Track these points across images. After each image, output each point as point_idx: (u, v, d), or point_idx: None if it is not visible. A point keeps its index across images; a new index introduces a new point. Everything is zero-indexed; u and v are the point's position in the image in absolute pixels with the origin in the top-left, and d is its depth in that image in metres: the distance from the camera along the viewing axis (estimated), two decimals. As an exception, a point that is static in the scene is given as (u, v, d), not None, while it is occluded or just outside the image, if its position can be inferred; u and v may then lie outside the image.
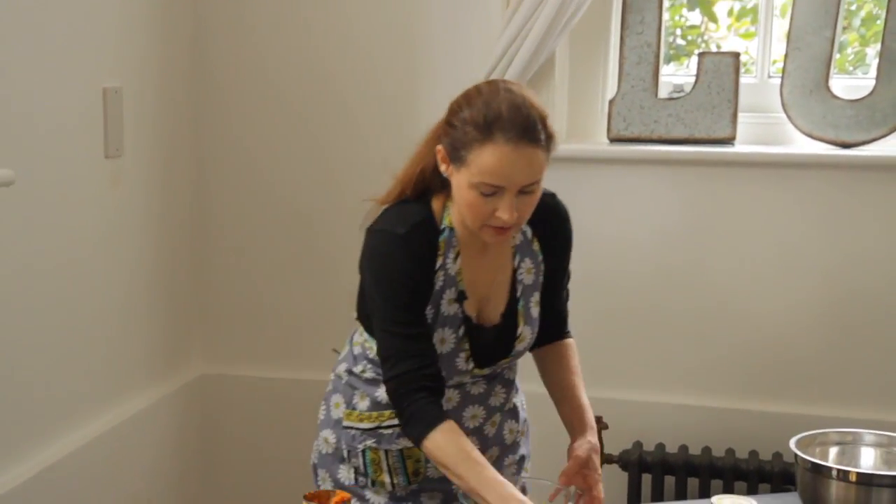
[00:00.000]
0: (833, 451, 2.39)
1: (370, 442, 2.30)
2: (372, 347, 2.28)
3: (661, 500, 3.21)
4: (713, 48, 3.57)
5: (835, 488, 2.18)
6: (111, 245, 3.07)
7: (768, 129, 3.34)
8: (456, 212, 2.17)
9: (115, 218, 3.09)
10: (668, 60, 3.58)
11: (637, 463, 3.21)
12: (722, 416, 3.29)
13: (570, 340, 2.42)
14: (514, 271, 2.27)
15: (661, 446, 3.26)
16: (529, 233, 2.28)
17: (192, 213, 3.52)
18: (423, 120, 3.33)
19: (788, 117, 3.24)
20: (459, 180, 2.09)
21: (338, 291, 3.50)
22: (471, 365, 2.24)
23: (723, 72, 3.26)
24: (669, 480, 3.24)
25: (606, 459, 3.24)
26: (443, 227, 2.19)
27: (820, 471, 2.21)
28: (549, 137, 2.08)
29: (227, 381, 3.60)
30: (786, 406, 3.25)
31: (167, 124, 3.35)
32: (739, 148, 3.27)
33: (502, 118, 2.03)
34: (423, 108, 3.34)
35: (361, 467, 2.31)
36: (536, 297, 2.30)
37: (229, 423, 3.61)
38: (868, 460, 2.38)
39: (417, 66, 3.36)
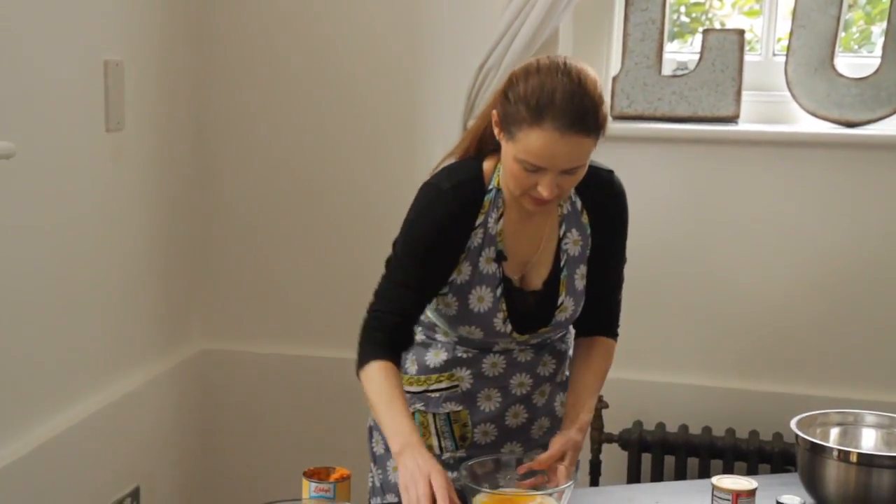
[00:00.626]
0: (834, 432, 2.38)
1: (419, 405, 2.35)
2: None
3: (661, 479, 3.21)
4: (717, 25, 3.55)
5: (835, 469, 2.17)
6: (112, 219, 3.06)
7: (772, 108, 3.32)
8: (503, 175, 2.18)
9: (116, 192, 3.08)
10: (673, 38, 3.56)
11: (637, 442, 3.21)
12: (723, 396, 3.29)
13: (609, 341, 2.38)
14: (560, 240, 2.27)
15: (661, 426, 3.26)
16: (579, 204, 2.27)
17: (194, 186, 3.51)
18: (425, 96, 3.34)
19: (793, 96, 3.23)
20: (507, 150, 2.10)
21: (340, 267, 3.50)
22: (508, 328, 2.25)
23: (727, 49, 3.24)
24: (669, 460, 3.24)
25: (606, 438, 3.24)
26: (490, 187, 2.21)
27: (820, 451, 2.20)
28: (600, 125, 2.07)
29: (228, 356, 3.60)
30: (787, 386, 3.24)
31: (169, 98, 3.34)
32: (743, 126, 3.26)
33: (554, 105, 2.01)
34: (426, 83, 3.33)
35: None
36: (582, 270, 2.29)
37: (229, 399, 3.61)
38: (869, 441, 2.37)
39: (420, 42, 3.34)
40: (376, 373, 2.16)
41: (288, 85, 3.46)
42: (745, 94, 3.29)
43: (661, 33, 3.28)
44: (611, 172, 2.30)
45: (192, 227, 3.52)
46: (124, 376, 3.16)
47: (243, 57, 3.47)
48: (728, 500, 2.04)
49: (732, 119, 3.26)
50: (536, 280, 2.27)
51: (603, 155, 2.30)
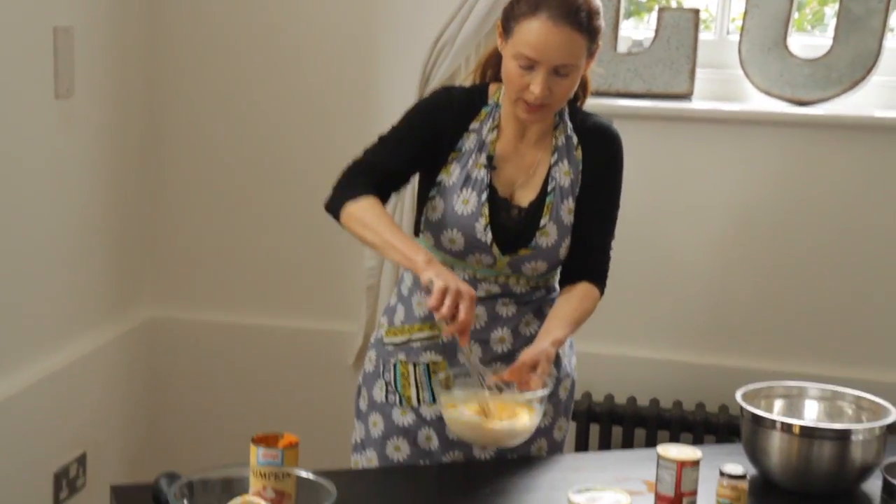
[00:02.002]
0: (778, 404, 2.42)
1: (400, 356, 2.42)
2: None
3: (609, 449, 3.24)
4: (673, 4, 3.58)
5: (778, 440, 2.21)
6: (61, 186, 3.04)
7: (726, 86, 3.35)
8: (504, 93, 2.33)
9: (66, 159, 3.05)
10: (628, 15, 3.58)
11: (585, 413, 3.25)
12: (670, 369, 3.33)
13: (592, 287, 2.42)
14: (551, 168, 2.35)
15: (609, 397, 3.30)
16: (575, 140, 2.37)
17: (144, 154, 3.49)
18: (381, 68, 3.34)
19: (746, 74, 3.26)
20: (506, 53, 2.25)
21: (291, 236, 3.50)
22: (489, 236, 2.30)
23: (682, 28, 3.26)
24: (617, 431, 3.28)
25: (555, 410, 3.27)
26: (490, 101, 2.37)
27: (763, 423, 2.24)
28: (592, 27, 2.23)
29: (177, 324, 3.59)
30: (734, 360, 3.29)
31: (120, 64, 3.31)
32: (697, 104, 3.29)
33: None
34: (382, 57, 3.33)
35: (392, 381, 2.41)
36: (569, 203, 2.35)
37: (178, 366, 3.60)
38: (812, 413, 2.41)
39: (375, 15, 3.33)
40: (374, 204, 2.27)
41: (241, 53, 3.44)
42: (699, 72, 3.32)
43: (617, 11, 3.29)
44: (611, 122, 2.43)
45: (142, 195, 3.50)
46: (72, 343, 3.14)
47: (196, 24, 3.45)
48: (673, 468, 2.07)
49: (686, 96, 3.29)
50: (523, 198, 2.35)
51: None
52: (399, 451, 2.41)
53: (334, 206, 2.31)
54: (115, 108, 3.29)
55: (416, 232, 2.43)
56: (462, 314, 2.10)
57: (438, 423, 2.37)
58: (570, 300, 2.37)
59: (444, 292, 2.10)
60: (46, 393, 2.98)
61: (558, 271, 2.44)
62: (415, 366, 2.40)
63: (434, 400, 2.38)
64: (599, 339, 3.37)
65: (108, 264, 3.34)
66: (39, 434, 2.96)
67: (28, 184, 2.88)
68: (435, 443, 2.40)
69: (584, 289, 2.39)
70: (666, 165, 3.29)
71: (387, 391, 2.42)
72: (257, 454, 1.96)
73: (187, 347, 3.59)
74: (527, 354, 2.22)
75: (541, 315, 2.41)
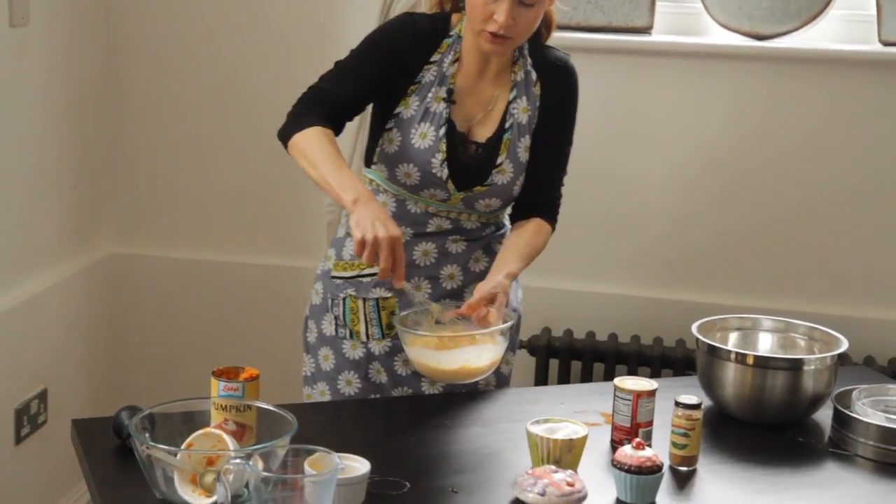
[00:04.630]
0: (733, 336, 2.46)
1: (350, 290, 2.41)
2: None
3: (568, 384, 3.28)
4: (634, -64, 3.56)
5: (732, 371, 2.26)
6: (17, 117, 3.01)
7: (685, 20, 3.36)
8: (466, 24, 2.30)
9: (21, 89, 3.02)
10: (589, -53, 3.56)
11: (545, 348, 3.28)
12: (628, 304, 3.37)
13: (544, 223, 2.43)
14: (509, 104, 2.35)
15: (568, 332, 3.34)
16: (534, 76, 2.37)
17: (104, 84, 3.46)
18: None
19: (705, 7, 3.27)
20: None
21: (251, 172, 3.49)
22: (445, 172, 2.30)
23: (642, -40, 3.26)
24: (576, 365, 3.32)
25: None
26: (452, 32, 2.34)
27: (718, 354, 2.28)
28: None
29: (137, 260, 3.59)
30: (691, 295, 3.33)
31: (75, -5, 3.27)
32: (656, 37, 3.30)
33: None
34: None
35: (341, 316, 2.41)
36: (526, 141, 2.36)
37: (138, 302, 3.61)
38: (766, 345, 2.46)
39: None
40: (319, 135, 2.23)
41: (199, -16, 3.41)
42: (659, 6, 3.32)
43: (578, -58, 3.29)
44: (568, 56, 2.42)
45: (101, 128, 3.47)
46: (31, 279, 3.14)
47: (153, -45, 3.41)
48: (629, 400, 2.10)
49: (646, 30, 3.30)
50: (480, 134, 2.34)
51: (516, 61, 2.34)
52: (350, 385, 2.43)
53: (283, 136, 2.29)
54: (71, 38, 3.26)
55: (369, 162, 2.41)
56: (381, 262, 2.10)
57: (387, 359, 2.40)
58: (522, 235, 2.38)
59: (363, 244, 2.09)
60: (5, 329, 2.98)
61: (509, 207, 2.45)
62: (364, 301, 2.40)
63: (383, 336, 2.39)
64: (558, 274, 3.40)
65: (66, 199, 3.32)
66: (-1, 370, 2.97)
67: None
68: (384, 377, 2.41)
69: (536, 224, 2.41)
70: (626, 100, 3.31)
71: (336, 325, 2.43)
72: (218, 387, 1.98)
73: (148, 283, 3.60)
74: (483, 288, 2.22)
75: (490, 252, 2.42)
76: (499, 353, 2.19)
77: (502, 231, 2.45)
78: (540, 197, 2.43)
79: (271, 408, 1.95)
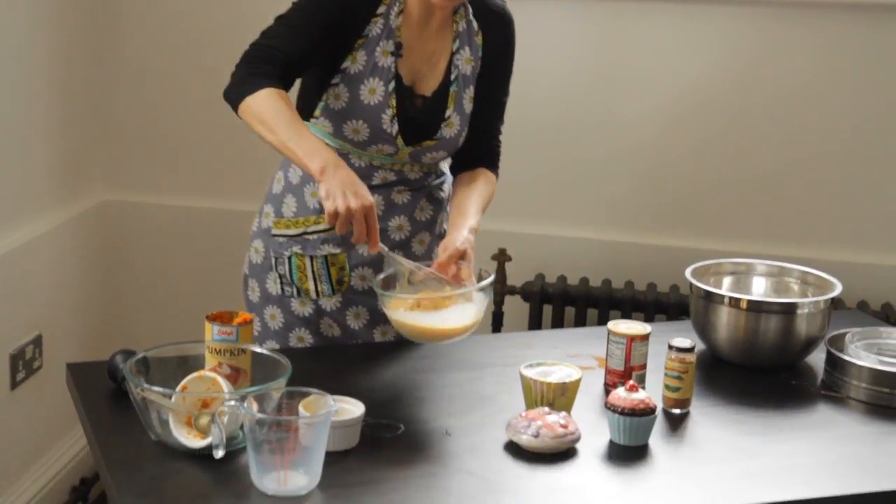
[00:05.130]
0: (727, 281, 2.47)
1: (296, 248, 2.35)
2: None
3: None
4: None
5: (726, 315, 2.26)
6: (7, 62, 2.99)
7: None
8: None
9: (11, 34, 3.00)
10: None
11: (538, 294, 3.29)
12: (622, 250, 3.37)
13: (490, 173, 2.41)
14: (453, 56, 2.31)
15: (562, 278, 3.34)
16: (475, 25, 2.33)
17: (96, 28, 3.42)
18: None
19: (700, -48, 3.24)
20: None
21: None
22: (395, 128, 2.27)
23: None
24: (570, 311, 3.33)
25: (509, 290, 3.31)
26: None
27: (712, 298, 2.29)
28: None
29: (130, 207, 3.58)
30: (685, 240, 3.34)
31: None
32: (651, -18, 3.27)
33: None
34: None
35: (287, 275, 2.36)
36: (471, 92, 2.34)
37: (132, 249, 3.60)
38: (759, 289, 2.47)
39: None
40: (274, 97, 2.14)
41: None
42: (654, -50, 3.30)
43: None
44: (504, 2, 2.37)
45: (93, 73, 3.45)
46: (24, 225, 3.13)
47: None
48: (622, 343, 2.11)
49: (641, -26, 3.27)
50: (427, 87, 2.31)
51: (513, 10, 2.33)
52: (302, 341, 2.39)
53: (233, 97, 2.18)
54: (61, -17, 3.23)
55: (307, 116, 2.31)
56: (356, 232, 2.06)
57: (339, 314, 2.36)
58: (475, 188, 2.35)
59: (335, 216, 2.04)
60: (0, 274, 2.98)
61: (449, 158, 2.43)
62: (312, 259, 2.34)
63: (333, 292, 2.35)
64: (551, 220, 3.40)
65: (58, 146, 3.30)
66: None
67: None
68: (337, 331, 2.38)
69: (484, 175, 2.39)
70: (618, 44, 3.29)
71: (282, 283, 2.38)
72: (212, 331, 1.98)
73: (141, 230, 3.59)
74: (450, 245, 2.17)
75: (433, 200, 2.40)
76: (481, 310, 2.12)
77: (442, 178, 2.43)
78: (482, 147, 2.41)
79: (265, 352, 1.96)
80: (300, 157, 2.10)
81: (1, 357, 3.02)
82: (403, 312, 2.09)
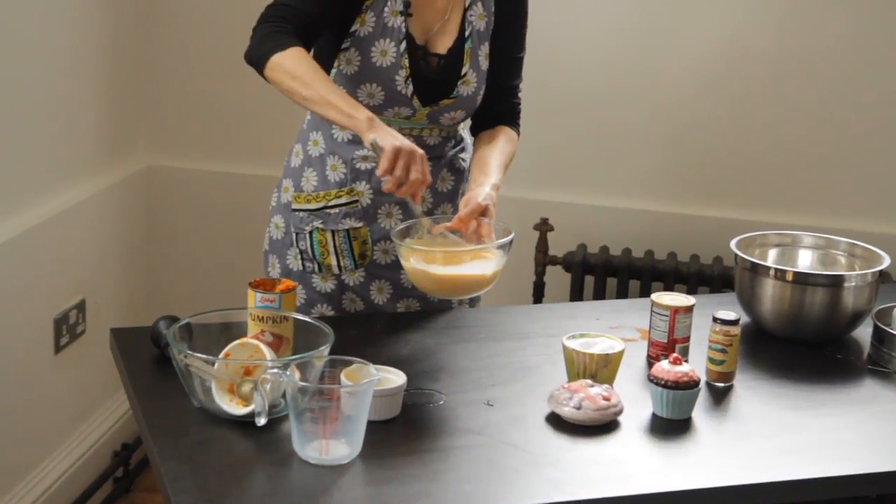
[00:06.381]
0: (772, 253, 2.44)
1: (317, 223, 2.33)
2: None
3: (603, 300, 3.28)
4: None
5: (771, 287, 2.24)
6: (54, 28, 3.00)
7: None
8: None
9: (56, 1, 3.00)
10: None
11: (580, 264, 3.27)
12: (666, 221, 3.34)
13: (511, 131, 2.39)
14: (466, 11, 2.29)
15: (604, 249, 3.32)
16: None
17: (138, -2, 3.44)
18: None
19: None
20: None
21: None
22: (410, 89, 2.25)
23: None
24: (612, 282, 3.31)
25: (550, 261, 3.29)
26: None
27: (757, 270, 2.26)
28: None
29: (174, 173, 3.59)
30: (729, 211, 3.30)
31: None
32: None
33: None
34: None
35: (308, 250, 2.34)
36: (486, 49, 2.31)
37: (175, 214, 3.61)
38: (805, 261, 2.44)
39: None
40: (304, 55, 2.13)
41: None
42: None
43: None
44: None
45: (137, 41, 3.45)
46: (68, 189, 3.15)
47: None
48: (666, 315, 2.09)
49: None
50: (440, 45, 2.28)
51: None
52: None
53: (258, 56, 2.16)
54: (105, -50, 3.23)
55: None
56: (413, 174, 2.04)
57: (362, 289, 2.34)
58: (496, 145, 2.33)
59: (397, 155, 2.03)
60: (43, 239, 2.99)
61: (468, 120, 2.40)
62: (333, 233, 2.32)
63: (356, 266, 2.33)
64: (594, 190, 3.38)
65: (102, 111, 3.31)
66: (38, 280, 2.98)
67: (21, 25, 2.84)
68: (360, 305, 2.36)
69: (505, 133, 2.37)
70: (663, 9, 3.25)
71: (303, 259, 2.36)
72: (255, 298, 1.98)
73: (185, 196, 3.60)
74: (472, 200, 2.15)
75: (454, 170, 2.38)
76: (500, 266, 2.11)
77: (462, 145, 2.41)
78: (502, 105, 2.39)
79: (308, 319, 1.96)
80: (344, 108, 2.08)
81: (45, 321, 3.04)
82: (421, 264, 2.07)
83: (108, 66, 3.31)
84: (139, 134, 3.55)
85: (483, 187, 2.20)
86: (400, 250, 2.11)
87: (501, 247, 2.10)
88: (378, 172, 2.07)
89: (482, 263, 2.09)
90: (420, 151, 2.06)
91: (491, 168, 2.26)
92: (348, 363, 1.78)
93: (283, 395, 1.75)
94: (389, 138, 2.05)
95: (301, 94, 2.11)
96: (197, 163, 3.59)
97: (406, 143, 2.06)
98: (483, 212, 2.14)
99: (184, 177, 3.58)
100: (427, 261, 2.08)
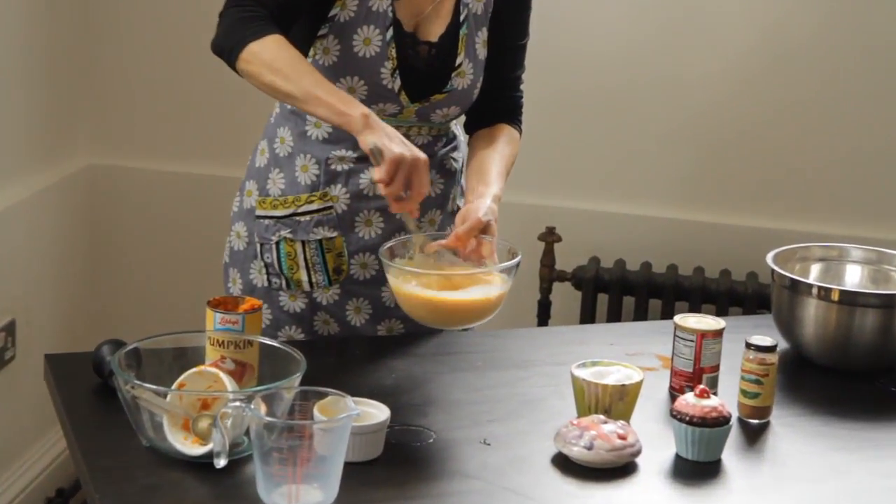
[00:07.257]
0: (815, 268, 2.45)
1: (284, 232, 2.32)
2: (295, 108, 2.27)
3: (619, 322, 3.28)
4: None
5: (814, 308, 2.24)
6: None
7: None
8: None
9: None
10: None
11: (593, 281, 3.28)
12: (691, 230, 3.36)
13: (513, 129, 2.40)
14: None
15: (620, 263, 3.33)
16: None
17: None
18: None
19: None
20: None
21: (237, 82, 3.45)
22: (397, 83, 2.24)
23: None
24: (628, 301, 3.32)
25: (558, 276, 3.30)
26: None
27: (798, 288, 2.27)
28: None
29: (119, 172, 3.61)
30: (764, 220, 3.32)
31: None
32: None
33: None
34: None
35: (275, 263, 2.33)
36: (483, 35, 2.31)
37: (119, 219, 3.63)
38: (854, 278, 2.44)
39: None
40: (284, 44, 2.12)
41: None
42: None
43: None
44: None
45: (76, 33, 3.48)
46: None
47: None
48: (692, 340, 2.10)
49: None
50: (431, 32, 2.28)
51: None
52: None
53: (229, 46, 2.14)
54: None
55: None
56: (415, 187, 2.04)
57: (337, 308, 2.33)
58: (496, 147, 2.34)
59: (398, 166, 2.02)
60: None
61: (462, 116, 2.41)
62: (304, 244, 2.31)
63: (330, 282, 2.32)
64: (608, 195, 3.39)
65: (37, 104, 3.32)
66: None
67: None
68: (335, 328, 2.35)
69: (505, 133, 2.38)
70: (687, 4, 3.27)
71: (268, 274, 2.34)
72: (214, 319, 1.98)
73: (132, 199, 3.61)
74: (471, 216, 2.14)
75: (444, 172, 2.37)
76: (505, 290, 2.10)
77: (453, 145, 2.40)
78: (501, 100, 2.40)
79: (276, 344, 1.95)
80: (335, 105, 2.08)
81: (-32, 345, 3.04)
82: (411, 285, 2.06)
83: (45, 55, 3.32)
84: (79, 128, 3.56)
85: (483, 199, 2.20)
86: (389, 271, 2.10)
87: (506, 270, 2.10)
88: (373, 179, 2.07)
89: (484, 288, 2.08)
90: (423, 158, 2.06)
91: (491, 177, 2.26)
92: (322, 395, 1.78)
93: (247, 433, 1.75)
94: (391, 144, 2.05)
95: (283, 90, 2.12)
96: (146, 161, 3.60)
97: (410, 149, 2.06)
98: (484, 229, 2.15)
99: (131, 177, 3.60)
100: (421, 284, 2.07)
